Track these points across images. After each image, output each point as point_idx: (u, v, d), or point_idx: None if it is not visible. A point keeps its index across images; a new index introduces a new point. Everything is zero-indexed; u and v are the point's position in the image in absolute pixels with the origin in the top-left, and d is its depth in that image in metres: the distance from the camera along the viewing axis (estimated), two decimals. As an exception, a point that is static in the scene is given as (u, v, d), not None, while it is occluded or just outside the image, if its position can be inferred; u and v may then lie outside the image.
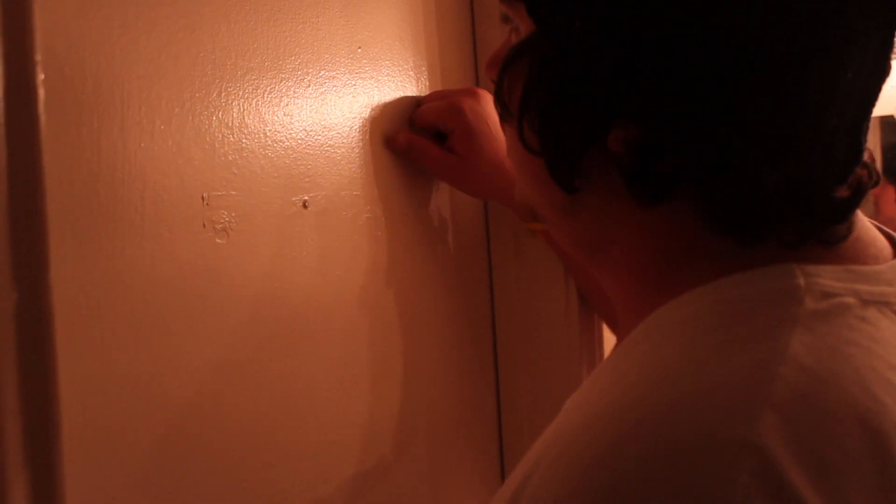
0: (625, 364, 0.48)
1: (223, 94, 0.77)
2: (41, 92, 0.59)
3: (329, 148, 0.90)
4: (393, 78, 1.02)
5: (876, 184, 0.49)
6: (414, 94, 1.06)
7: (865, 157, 0.49)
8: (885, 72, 0.47)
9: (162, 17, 0.71)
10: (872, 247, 0.50)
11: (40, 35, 0.59)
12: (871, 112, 0.48)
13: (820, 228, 0.48)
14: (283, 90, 0.84)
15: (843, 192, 0.47)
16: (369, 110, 0.97)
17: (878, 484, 0.38)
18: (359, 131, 0.95)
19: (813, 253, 0.48)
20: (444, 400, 1.09)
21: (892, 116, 2.39)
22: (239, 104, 0.79)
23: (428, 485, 1.05)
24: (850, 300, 0.45)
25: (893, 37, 0.46)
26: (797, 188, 0.46)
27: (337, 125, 0.92)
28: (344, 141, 0.93)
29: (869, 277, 0.47)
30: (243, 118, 0.79)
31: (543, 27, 0.50)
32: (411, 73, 1.06)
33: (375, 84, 0.98)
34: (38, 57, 0.59)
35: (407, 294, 1.02)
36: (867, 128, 0.48)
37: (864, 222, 0.52)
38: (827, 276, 0.46)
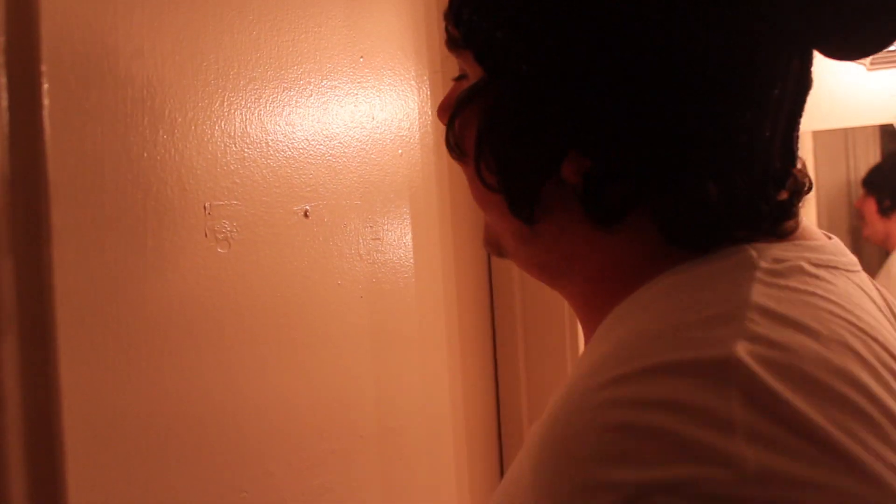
0: (600, 348, 0.50)
1: (226, 104, 0.77)
2: (46, 101, 0.59)
3: (331, 157, 0.91)
4: (395, 87, 1.02)
5: (810, 188, 0.54)
6: (416, 104, 1.06)
7: (798, 164, 0.53)
8: (808, 85, 0.51)
9: (166, 26, 0.71)
10: (813, 239, 0.54)
11: (45, 44, 0.60)
12: (799, 122, 0.52)
13: (766, 228, 0.51)
14: (286, 100, 0.85)
15: (783, 195, 0.52)
16: (371, 119, 0.97)
17: (866, 419, 0.40)
18: (360, 141, 0.95)
19: (762, 241, 0.51)
20: (445, 408, 1.09)
21: (892, 125, 2.41)
22: (241, 114, 0.79)
23: (428, 492, 1.05)
24: (802, 263, 0.49)
25: (811, 55, 0.51)
26: (742, 197, 0.50)
27: (339, 135, 0.92)
28: (346, 151, 0.93)
29: (815, 249, 0.51)
30: (245, 128, 0.80)
31: (492, 72, 0.53)
32: (413, 82, 1.06)
33: (377, 93, 0.99)
34: (44, 67, 0.59)
35: (408, 302, 1.02)
36: (797, 137, 0.52)
37: (809, 225, 0.56)
38: (777, 249, 0.50)
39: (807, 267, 0.49)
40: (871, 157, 2.69)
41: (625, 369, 0.43)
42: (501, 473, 1.21)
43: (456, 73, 0.64)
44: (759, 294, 0.46)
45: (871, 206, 2.48)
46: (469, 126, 0.56)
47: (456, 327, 1.12)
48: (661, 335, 0.45)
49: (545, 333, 1.16)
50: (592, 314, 0.57)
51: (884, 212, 2.44)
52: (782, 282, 0.47)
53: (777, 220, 0.51)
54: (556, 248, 0.56)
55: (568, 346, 1.14)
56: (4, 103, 0.57)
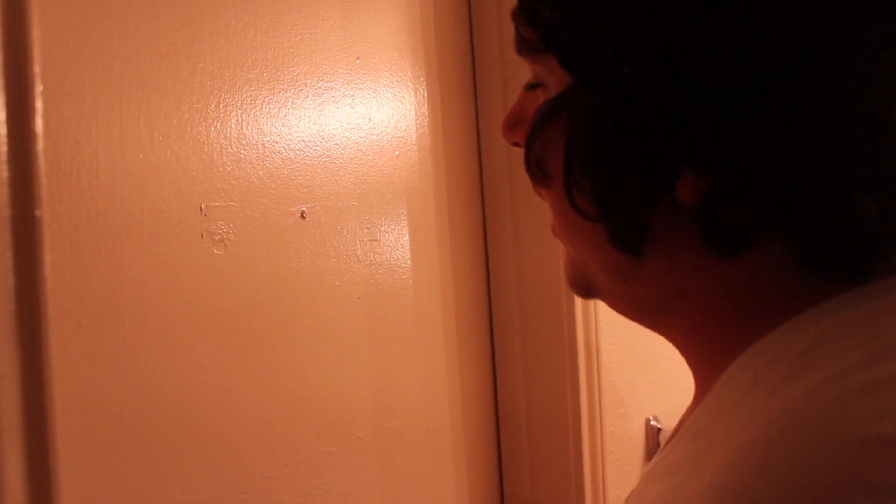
0: (742, 410, 0.41)
1: (221, 105, 0.77)
2: (39, 103, 0.59)
3: (327, 159, 0.91)
4: (391, 89, 1.02)
5: None
6: (412, 105, 1.06)
7: None
8: None
9: (161, 28, 0.71)
10: None
11: (39, 46, 0.60)
12: None
13: None
14: (282, 101, 0.85)
15: None
16: (367, 121, 0.97)
17: None
18: (357, 142, 0.95)
19: None
20: (442, 408, 1.09)
21: None
22: (237, 115, 0.79)
23: (426, 491, 1.05)
24: None
25: None
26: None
27: (335, 136, 0.92)
28: (342, 152, 0.93)
29: None
30: (241, 129, 0.79)
31: (584, 78, 0.44)
32: (410, 83, 1.06)
33: (374, 95, 0.99)
34: (38, 68, 0.59)
35: (405, 303, 1.02)
36: None
37: None
38: None
39: None
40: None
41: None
42: (500, 473, 1.21)
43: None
44: None
45: None
46: (554, 143, 0.47)
47: (453, 328, 1.12)
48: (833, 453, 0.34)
49: (543, 334, 1.16)
50: (705, 358, 0.49)
51: None
52: None
53: None
54: (665, 283, 0.47)
55: (566, 347, 1.14)
56: (-1, 104, 0.57)
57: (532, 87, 0.51)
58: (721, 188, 0.41)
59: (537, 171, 0.49)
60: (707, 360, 0.48)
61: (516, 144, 0.54)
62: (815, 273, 0.42)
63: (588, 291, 0.53)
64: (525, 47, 0.49)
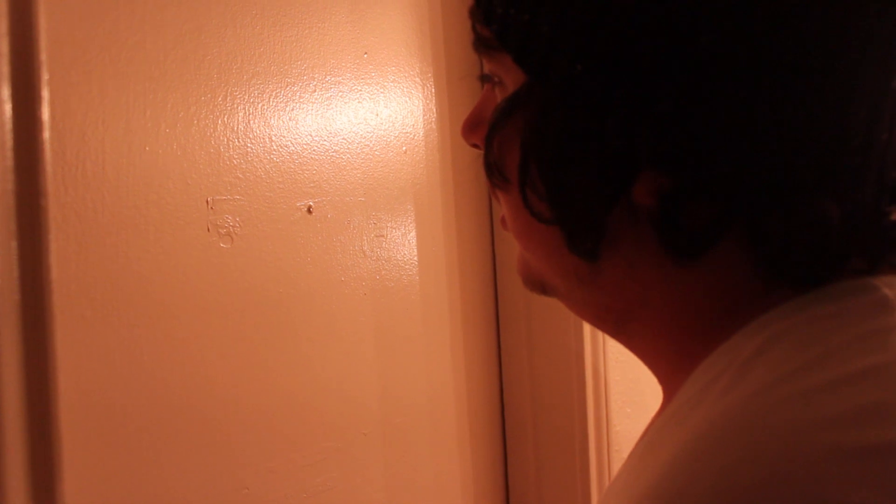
0: (693, 416, 0.40)
1: (228, 99, 0.77)
2: (46, 92, 0.59)
3: (334, 153, 0.90)
4: (399, 84, 1.02)
5: None
6: (420, 101, 1.06)
7: None
8: None
9: (168, 19, 0.71)
10: None
11: (46, 36, 0.59)
12: None
13: (890, 254, 0.41)
14: (289, 95, 0.84)
15: None
16: (375, 116, 0.97)
17: None
18: (364, 137, 0.95)
19: (884, 274, 0.41)
20: (448, 405, 1.08)
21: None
22: (244, 108, 0.79)
23: (432, 489, 1.04)
24: None
25: None
26: (859, 215, 0.40)
27: (342, 131, 0.92)
28: (349, 147, 0.92)
29: None
30: (248, 123, 0.79)
31: (538, 76, 0.42)
32: (417, 79, 1.06)
33: (381, 90, 0.98)
34: (44, 57, 0.59)
35: (411, 299, 1.02)
36: None
37: None
38: None
39: None
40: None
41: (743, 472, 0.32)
42: (505, 471, 1.20)
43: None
44: None
45: None
46: (511, 144, 0.45)
47: (460, 324, 1.12)
48: (792, 427, 0.33)
49: (550, 331, 1.16)
50: (670, 368, 0.47)
51: None
52: None
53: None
54: (623, 290, 0.45)
55: (573, 343, 1.14)
56: (5, 94, 0.57)
57: (486, 80, 0.50)
58: (678, 188, 0.40)
59: (497, 174, 0.47)
60: (673, 371, 0.47)
61: (476, 146, 0.52)
62: (774, 277, 0.41)
63: (544, 290, 0.51)
64: (482, 45, 0.47)
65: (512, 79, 0.45)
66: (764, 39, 0.37)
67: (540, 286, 0.51)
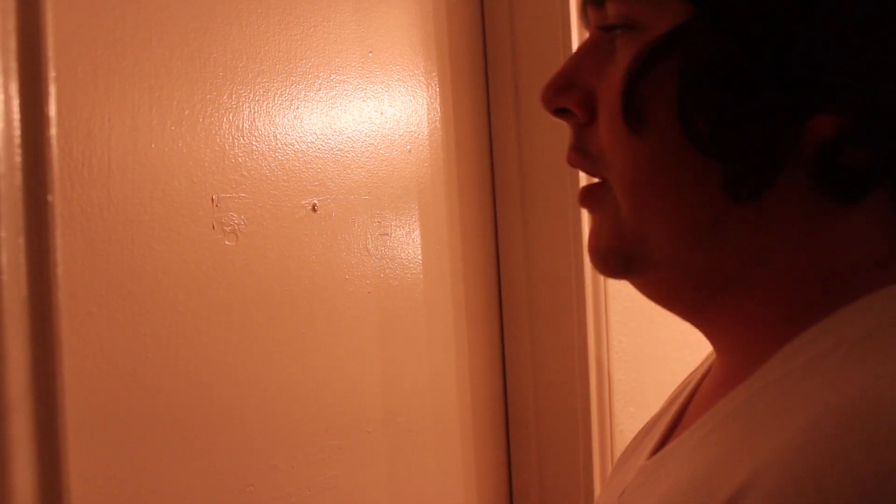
0: (800, 389, 0.40)
1: (234, 97, 0.77)
2: (52, 89, 0.59)
3: (339, 152, 0.90)
4: (403, 82, 1.02)
5: None
6: (425, 99, 1.06)
7: None
8: None
9: (174, 18, 0.71)
10: None
11: (53, 33, 0.60)
12: None
13: None
14: (294, 93, 0.85)
15: None
16: (379, 115, 0.97)
17: None
18: (369, 136, 0.95)
19: None
20: (452, 403, 1.08)
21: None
22: (249, 106, 0.79)
23: (435, 486, 1.05)
24: None
25: None
26: None
27: (347, 129, 0.92)
28: (354, 145, 0.93)
29: None
30: (253, 121, 0.79)
31: (717, 8, 0.41)
32: (422, 77, 1.06)
33: (386, 88, 0.98)
34: (51, 53, 0.59)
35: (415, 298, 1.02)
36: None
37: None
38: None
39: None
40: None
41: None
42: (509, 469, 1.21)
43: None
44: None
45: None
46: (660, 83, 0.43)
47: (463, 324, 1.12)
48: None
49: (553, 330, 1.16)
50: (754, 336, 0.46)
51: None
52: None
53: None
54: (743, 247, 0.44)
55: (576, 342, 1.14)
56: (12, 90, 0.57)
57: (611, 28, 0.47)
58: (853, 125, 0.40)
59: (633, 115, 0.45)
60: (756, 340, 0.46)
61: (560, 112, 0.50)
62: None
63: (628, 265, 0.48)
64: None
65: (665, 18, 0.43)
66: None
67: (627, 260, 0.48)
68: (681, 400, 0.58)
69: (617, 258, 0.49)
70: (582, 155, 0.49)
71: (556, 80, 0.49)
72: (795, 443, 0.36)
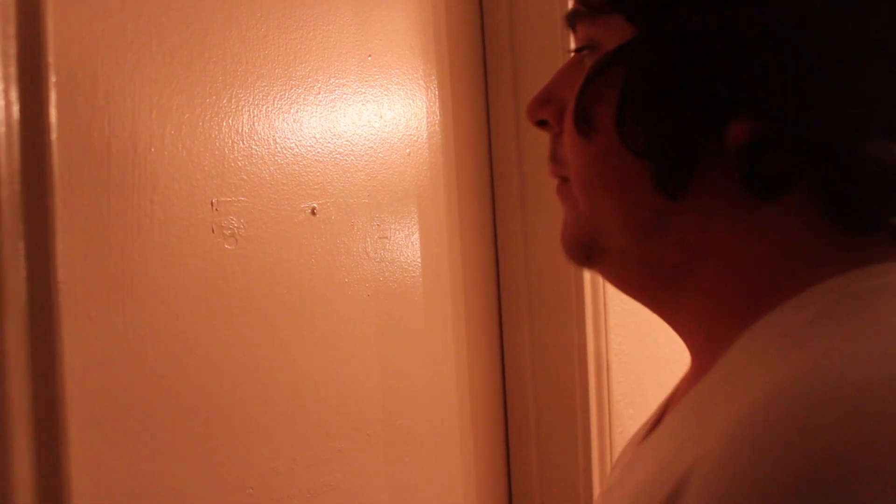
0: (749, 374, 0.43)
1: (233, 101, 0.78)
2: (53, 94, 0.60)
3: (338, 155, 0.91)
4: (403, 86, 1.02)
5: None
6: (424, 103, 1.06)
7: None
8: None
9: (174, 22, 0.71)
10: None
11: (53, 38, 0.60)
12: None
13: None
14: (293, 97, 0.85)
15: None
16: (379, 118, 0.97)
17: None
18: (368, 139, 0.95)
19: None
20: (451, 406, 1.09)
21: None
22: (249, 110, 0.79)
23: (435, 489, 1.05)
24: None
25: None
26: None
27: (346, 133, 0.92)
28: (353, 149, 0.93)
29: None
30: (253, 124, 0.80)
31: (655, 29, 0.48)
32: (421, 81, 1.06)
33: (385, 92, 0.99)
34: (51, 59, 0.60)
35: (415, 301, 1.02)
36: None
37: None
38: None
39: None
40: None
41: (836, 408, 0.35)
42: (508, 472, 1.21)
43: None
44: None
45: None
46: (606, 92, 0.50)
47: (463, 327, 1.12)
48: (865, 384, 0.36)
49: (553, 333, 1.16)
50: (712, 329, 0.50)
51: None
52: None
53: None
54: (688, 240, 0.50)
55: (576, 345, 1.14)
56: (13, 95, 0.57)
57: (581, 49, 0.54)
58: (768, 131, 0.45)
59: (582, 121, 0.51)
60: (714, 334, 0.50)
61: (541, 124, 0.57)
62: (830, 222, 0.46)
63: (590, 254, 0.54)
64: (588, 13, 0.52)
65: (615, 37, 0.50)
66: (852, 21, 0.44)
67: (588, 249, 0.54)
68: (666, 396, 0.62)
69: (580, 248, 0.55)
70: (555, 162, 0.57)
71: (538, 96, 0.57)
72: (733, 426, 0.38)
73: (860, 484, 0.31)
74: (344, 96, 0.92)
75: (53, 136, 0.59)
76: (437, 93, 1.09)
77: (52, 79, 0.59)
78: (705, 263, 0.50)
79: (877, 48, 0.44)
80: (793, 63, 0.44)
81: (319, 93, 0.88)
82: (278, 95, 0.83)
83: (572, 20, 0.54)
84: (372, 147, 0.96)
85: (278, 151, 0.83)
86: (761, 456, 0.35)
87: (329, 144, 0.89)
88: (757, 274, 0.48)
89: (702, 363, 0.52)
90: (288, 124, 0.84)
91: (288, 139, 0.84)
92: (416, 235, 1.03)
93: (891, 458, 0.32)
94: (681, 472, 0.40)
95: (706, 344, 0.51)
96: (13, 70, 0.57)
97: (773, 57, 0.44)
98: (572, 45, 0.56)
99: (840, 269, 0.45)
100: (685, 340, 0.55)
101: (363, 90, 0.95)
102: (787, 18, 0.44)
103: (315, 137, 0.87)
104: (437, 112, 1.09)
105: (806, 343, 0.41)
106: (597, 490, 1.13)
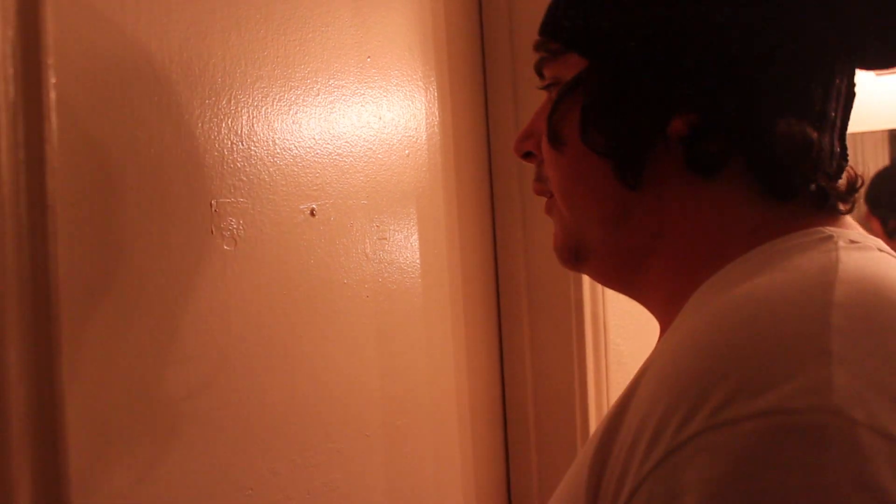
0: (693, 318, 0.53)
1: (233, 102, 0.78)
2: (53, 95, 0.60)
3: (337, 157, 0.91)
4: (402, 87, 1.02)
5: (862, 184, 0.61)
6: (423, 104, 1.06)
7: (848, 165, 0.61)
8: (852, 96, 0.60)
9: (173, 24, 0.72)
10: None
11: (53, 38, 0.60)
12: (847, 126, 0.60)
13: (833, 196, 0.58)
14: (293, 99, 0.85)
15: (842, 183, 0.60)
16: (378, 119, 0.98)
17: None
18: (367, 140, 0.95)
19: (832, 223, 0.58)
20: (450, 407, 1.09)
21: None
22: (248, 112, 0.79)
23: (433, 490, 1.05)
24: (871, 246, 0.54)
25: (854, 79, 0.60)
26: (819, 148, 0.57)
27: (345, 134, 0.92)
28: (352, 150, 0.93)
29: (879, 242, 0.56)
30: (252, 126, 0.80)
31: (600, 59, 0.60)
32: (420, 83, 1.06)
33: (384, 93, 0.99)
34: (51, 60, 0.60)
35: (414, 302, 1.02)
36: (845, 137, 0.61)
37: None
38: (848, 234, 0.55)
39: (876, 251, 0.53)
40: (880, 162, 2.68)
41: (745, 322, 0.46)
42: (507, 473, 1.21)
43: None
44: (844, 258, 0.50)
45: (876, 226, 2.27)
46: (569, 112, 0.62)
47: (462, 327, 1.12)
48: (764, 301, 0.47)
49: (552, 334, 1.16)
50: (671, 297, 0.60)
51: (891, 233, 2.19)
52: (859, 254, 0.52)
53: (840, 199, 0.59)
54: (648, 223, 0.60)
55: (575, 345, 1.14)
56: (12, 96, 0.57)
57: (548, 87, 0.66)
58: (702, 121, 0.56)
59: (554, 139, 0.62)
60: (673, 299, 0.60)
61: (527, 156, 0.69)
62: (760, 191, 0.57)
63: (577, 254, 0.65)
64: (551, 56, 0.64)
65: (572, 70, 0.62)
66: (760, 34, 0.56)
67: (575, 250, 0.65)
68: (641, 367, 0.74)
69: (569, 252, 0.66)
70: (539, 181, 0.68)
71: (521, 134, 0.69)
72: (681, 331, 0.51)
73: (744, 360, 0.44)
74: (343, 98, 0.92)
75: (54, 136, 0.59)
76: (436, 94, 1.09)
77: (53, 80, 0.59)
78: (662, 241, 0.60)
79: (776, 47, 0.56)
80: (711, 65, 0.56)
81: (319, 94, 0.89)
82: (278, 97, 0.83)
83: (539, 67, 0.66)
84: (371, 148, 0.96)
85: (277, 153, 0.83)
86: (692, 343, 0.47)
87: (328, 146, 0.89)
88: (704, 244, 0.58)
89: (665, 326, 0.62)
90: (287, 125, 0.84)
91: (287, 140, 0.84)
92: (416, 236, 1.03)
93: (767, 346, 0.44)
94: (634, 382, 0.51)
95: (668, 307, 0.61)
96: (14, 71, 0.57)
97: (695, 63, 0.56)
98: (539, 86, 0.67)
99: (770, 236, 0.56)
100: (655, 314, 0.66)
101: (362, 91, 0.95)
102: (700, 32, 0.56)
103: (314, 139, 0.88)
104: (437, 113, 1.09)
105: (733, 288, 0.51)
106: (596, 491, 1.13)
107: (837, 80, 0.58)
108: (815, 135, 0.56)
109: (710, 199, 0.58)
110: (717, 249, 0.57)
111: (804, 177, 0.57)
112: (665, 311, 0.62)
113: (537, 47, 0.66)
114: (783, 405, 0.41)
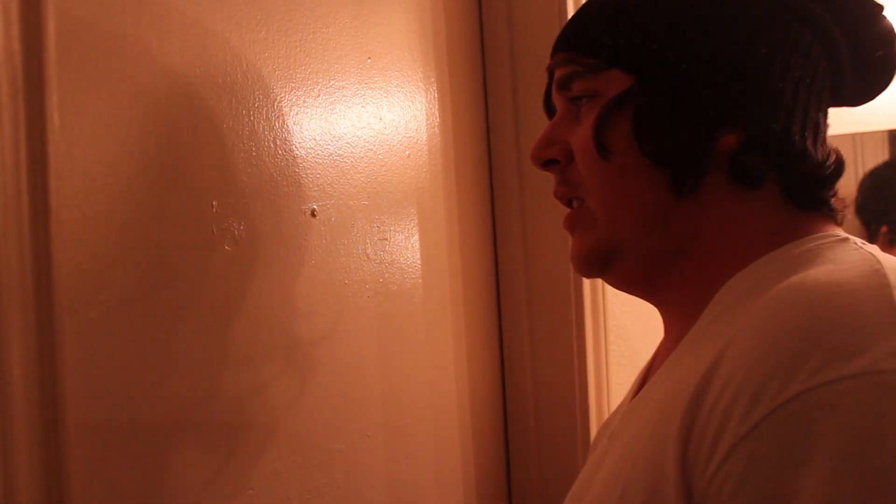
0: (744, 303, 0.59)
1: (233, 103, 0.78)
2: (55, 97, 0.60)
3: (338, 157, 0.91)
4: (402, 88, 1.02)
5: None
6: (423, 105, 1.06)
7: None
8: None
9: (174, 25, 0.72)
10: None
11: (55, 40, 0.60)
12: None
13: (837, 212, 0.66)
14: (293, 99, 0.85)
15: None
16: (378, 120, 0.98)
17: None
18: (368, 141, 0.96)
19: (836, 228, 0.66)
20: (451, 407, 1.09)
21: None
22: (249, 113, 0.79)
23: (434, 490, 1.05)
24: (873, 246, 0.61)
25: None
26: (833, 172, 0.65)
27: (346, 135, 0.92)
28: (353, 150, 0.93)
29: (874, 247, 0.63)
30: (253, 127, 0.80)
31: (652, 75, 0.64)
32: (420, 83, 1.06)
33: (385, 94, 0.99)
34: (53, 62, 0.60)
35: (414, 303, 1.02)
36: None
37: None
38: (854, 237, 0.63)
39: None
40: (880, 162, 2.67)
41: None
42: (508, 473, 1.21)
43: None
44: (874, 253, 0.58)
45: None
46: (619, 126, 0.65)
47: (462, 328, 1.12)
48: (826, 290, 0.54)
49: (553, 335, 1.16)
50: (696, 295, 0.65)
51: (892, 241, 2.18)
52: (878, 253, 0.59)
53: (843, 208, 0.67)
54: (685, 229, 0.65)
55: (575, 346, 1.14)
56: (14, 97, 0.58)
57: (576, 98, 0.68)
58: (749, 137, 0.62)
59: (603, 148, 0.65)
60: (694, 299, 0.64)
61: (548, 164, 0.70)
62: (789, 202, 0.64)
63: (607, 259, 0.68)
64: (585, 72, 0.67)
65: (616, 86, 0.65)
66: (792, 67, 0.64)
67: (605, 255, 0.68)
68: (644, 367, 0.78)
69: (598, 256, 0.68)
70: (566, 186, 0.70)
71: (540, 141, 0.70)
72: (748, 319, 0.55)
73: (831, 332, 0.50)
74: (344, 98, 0.92)
75: (55, 136, 0.60)
76: (436, 95, 1.09)
77: (55, 81, 0.60)
78: (693, 245, 0.65)
79: (803, 78, 0.63)
80: (758, 89, 0.62)
81: (319, 95, 0.89)
82: (278, 97, 0.83)
83: (568, 80, 0.68)
84: (372, 149, 0.96)
85: (278, 153, 0.83)
86: (773, 323, 0.53)
87: (329, 146, 0.90)
88: (730, 247, 0.64)
89: (681, 326, 0.66)
90: (288, 126, 0.84)
91: (288, 141, 0.84)
92: (416, 237, 1.03)
93: (849, 319, 0.50)
94: (706, 366, 0.54)
95: (688, 306, 0.65)
96: (16, 72, 0.58)
97: (746, 87, 0.62)
98: (562, 100, 0.69)
99: (788, 239, 0.62)
100: (668, 314, 0.70)
101: (363, 92, 0.95)
102: (749, 57, 0.63)
103: (315, 139, 0.88)
104: (437, 114, 1.09)
105: (782, 278, 0.57)
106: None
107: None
108: (836, 155, 0.65)
109: (747, 208, 0.64)
110: (741, 251, 0.63)
111: (826, 190, 0.65)
112: (683, 310, 0.67)
113: (566, 62, 0.68)
114: (877, 367, 0.48)
